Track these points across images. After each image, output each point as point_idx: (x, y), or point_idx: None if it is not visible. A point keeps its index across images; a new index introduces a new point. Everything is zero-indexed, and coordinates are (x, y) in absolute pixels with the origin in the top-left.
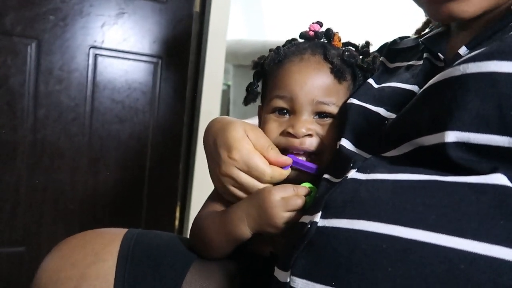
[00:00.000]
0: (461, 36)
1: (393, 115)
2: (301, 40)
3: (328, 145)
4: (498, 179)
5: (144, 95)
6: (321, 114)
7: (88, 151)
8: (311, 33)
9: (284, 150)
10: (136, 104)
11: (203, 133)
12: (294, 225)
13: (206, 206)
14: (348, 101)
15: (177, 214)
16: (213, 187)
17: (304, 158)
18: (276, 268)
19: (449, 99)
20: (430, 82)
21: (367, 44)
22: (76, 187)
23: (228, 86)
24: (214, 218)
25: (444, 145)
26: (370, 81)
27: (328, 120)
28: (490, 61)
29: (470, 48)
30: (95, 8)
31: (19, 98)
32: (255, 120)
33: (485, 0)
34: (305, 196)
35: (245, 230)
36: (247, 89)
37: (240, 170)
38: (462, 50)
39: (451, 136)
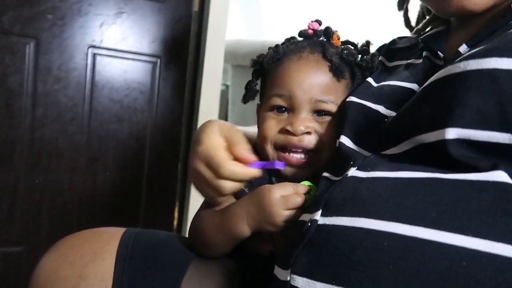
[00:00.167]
0: (461, 34)
1: (393, 113)
2: (300, 39)
3: (327, 143)
4: (499, 176)
5: (142, 94)
6: (319, 112)
7: (87, 151)
8: (310, 31)
9: (283, 148)
10: (135, 103)
11: None
12: (294, 224)
13: (204, 205)
14: (348, 99)
15: (176, 214)
16: None
17: (302, 156)
18: (275, 266)
19: (449, 96)
20: (431, 79)
21: (368, 43)
22: (74, 187)
23: (227, 86)
24: (213, 217)
25: (445, 142)
26: (369, 80)
27: (327, 118)
28: (490, 58)
29: (471, 46)
30: (94, 8)
31: (17, 97)
32: (254, 129)
33: None
34: (305, 194)
35: (245, 228)
36: (246, 87)
37: (201, 162)
38: (463, 48)
39: (452, 133)
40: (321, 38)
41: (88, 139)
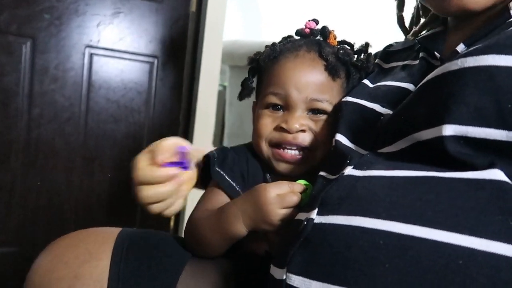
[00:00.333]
0: (459, 34)
1: (389, 111)
2: (297, 37)
3: (322, 141)
4: (495, 174)
5: (139, 95)
6: (314, 111)
7: (83, 151)
8: (307, 30)
9: (278, 145)
10: (132, 104)
11: (198, 134)
12: (290, 222)
13: (200, 205)
14: (343, 99)
15: None
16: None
17: (297, 153)
18: (272, 265)
19: (446, 93)
20: (428, 77)
21: (367, 45)
22: (71, 187)
23: (224, 87)
24: (209, 216)
25: (442, 139)
26: (365, 81)
27: (322, 117)
28: (488, 55)
29: (468, 45)
30: (91, 7)
31: (14, 97)
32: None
33: None
34: (301, 193)
35: (241, 228)
36: (242, 84)
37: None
38: (460, 48)
39: (449, 130)
40: (317, 37)
41: (84, 139)
